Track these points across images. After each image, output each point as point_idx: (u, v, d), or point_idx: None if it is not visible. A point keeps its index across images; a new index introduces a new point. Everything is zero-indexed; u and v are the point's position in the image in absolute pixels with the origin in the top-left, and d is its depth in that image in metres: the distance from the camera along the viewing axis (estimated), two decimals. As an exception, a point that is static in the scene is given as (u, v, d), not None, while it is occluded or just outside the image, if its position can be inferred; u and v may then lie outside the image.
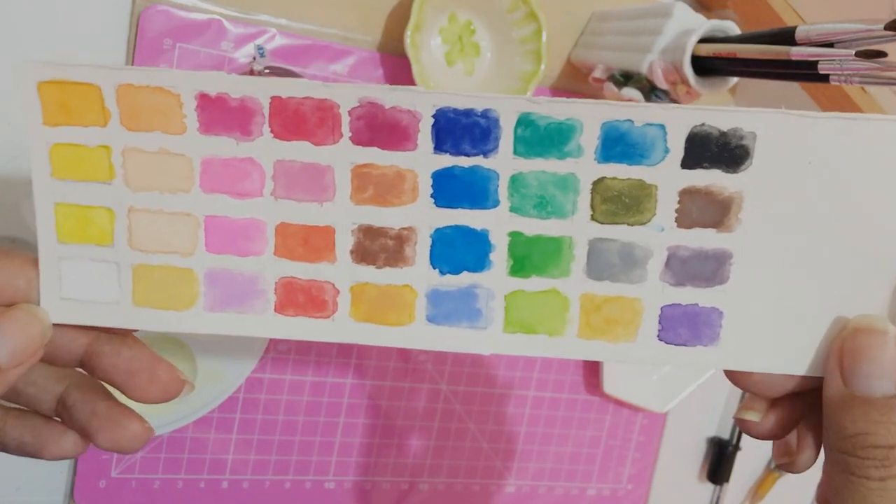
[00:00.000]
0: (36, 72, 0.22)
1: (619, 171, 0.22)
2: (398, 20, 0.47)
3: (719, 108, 0.22)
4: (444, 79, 0.48)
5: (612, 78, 0.47)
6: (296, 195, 0.23)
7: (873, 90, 0.51)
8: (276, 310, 0.24)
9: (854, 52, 0.32)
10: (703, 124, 0.22)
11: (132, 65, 0.42)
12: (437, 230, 0.23)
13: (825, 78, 0.34)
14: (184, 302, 0.24)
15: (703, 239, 0.23)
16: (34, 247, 0.24)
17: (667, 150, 0.22)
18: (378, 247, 0.23)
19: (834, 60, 0.33)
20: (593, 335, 0.24)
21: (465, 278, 0.24)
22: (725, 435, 0.62)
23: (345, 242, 0.23)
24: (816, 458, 0.25)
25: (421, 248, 0.23)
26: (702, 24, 0.42)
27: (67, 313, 0.24)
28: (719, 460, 0.62)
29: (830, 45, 0.34)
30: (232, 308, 0.24)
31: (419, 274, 0.24)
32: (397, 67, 0.48)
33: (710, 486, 0.63)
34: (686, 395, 0.57)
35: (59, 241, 0.23)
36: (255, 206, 0.23)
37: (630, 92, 0.46)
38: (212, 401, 0.45)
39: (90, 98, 0.22)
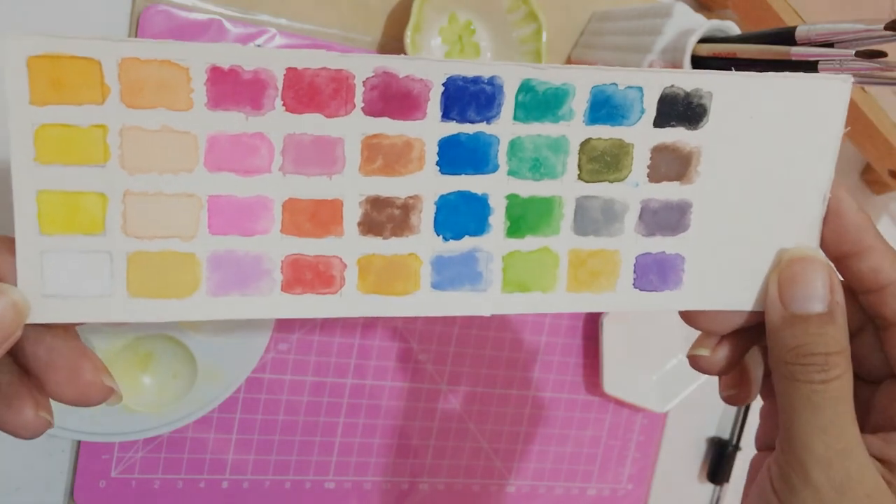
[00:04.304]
0: (27, 45, 0.20)
1: (603, 132, 0.24)
2: (398, 20, 0.47)
3: (685, 71, 0.25)
4: (444, 79, 0.48)
5: (612, 78, 0.47)
6: (305, 169, 0.23)
7: (873, 90, 0.51)
8: (283, 289, 0.23)
9: (854, 52, 0.32)
10: (672, 86, 0.24)
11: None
12: (442, 197, 0.24)
13: (825, 78, 0.34)
14: (185, 288, 0.23)
15: (670, 191, 0.25)
16: None
17: (642, 111, 0.24)
18: (385, 217, 0.24)
19: (834, 60, 0.33)
20: (580, 288, 0.25)
21: (467, 243, 0.24)
22: (725, 435, 0.62)
23: (353, 215, 0.23)
24: (757, 391, 0.28)
25: (426, 216, 0.24)
26: (702, 24, 0.42)
27: (52, 312, 0.22)
28: (719, 460, 0.62)
29: (830, 45, 0.34)
30: (237, 291, 0.23)
31: (424, 241, 0.24)
32: (397, 67, 0.48)
33: (710, 486, 0.63)
34: (686, 395, 0.57)
35: (41, 232, 0.21)
36: (263, 182, 0.23)
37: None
38: (212, 401, 0.45)
39: (88, 73, 0.21)
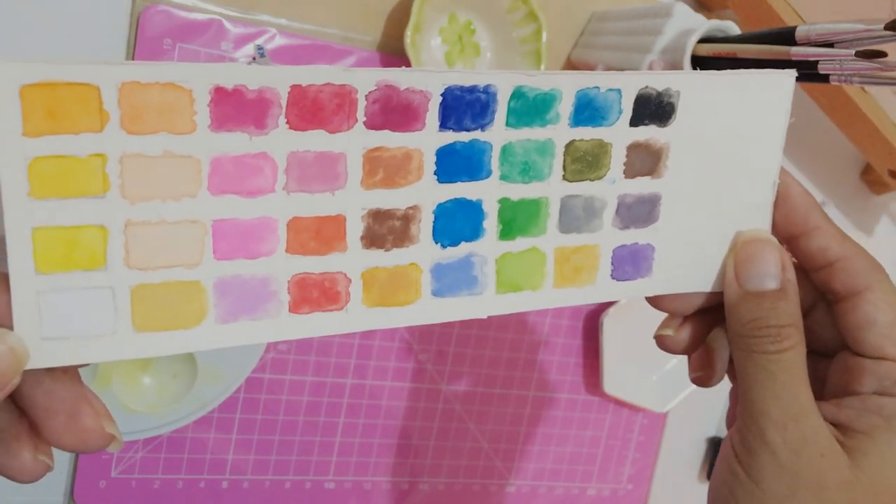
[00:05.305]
0: (19, 73, 0.19)
1: (585, 134, 0.25)
2: (398, 20, 0.47)
3: (658, 73, 0.25)
4: (444, 79, 0.48)
5: (612, 78, 0.47)
6: (309, 187, 0.22)
7: (873, 90, 0.51)
8: (290, 310, 0.23)
9: (854, 52, 0.32)
10: (646, 87, 0.25)
11: (132, 65, 0.42)
12: (439, 205, 0.24)
13: (825, 78, 0.34)
14: (193, 318, 0.22)
15: (642, 186, 0.26)
16: None
17: (620, 112, 0.25)
18: (386, 229, 0.24)
19: (834, 60, 0.33)
20: (565, 284, 0.26)
21: (463, 248, 0.25)
22: (725, 435, 0.62)
23: (355, 229, 0.23)
24: (724, 373, 0.29)
25: (425, 226, 0.24)
26: (702, 24, 0.42)
27: (53, 355, 0.20)
28: (719, 460, 0.62)
29: (830, 45, 0.34)
30: (245, 316, 0.22)
31: (423, 250, 0.24)
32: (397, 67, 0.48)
33: (710, 486, 0.63)
34: (686, 395, 0.57)
35: (37, 272, 0.20)
36: (267, 203, 0.22)
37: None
38: (212, 401, 0.45)
39: (86, 100, 0.20)
